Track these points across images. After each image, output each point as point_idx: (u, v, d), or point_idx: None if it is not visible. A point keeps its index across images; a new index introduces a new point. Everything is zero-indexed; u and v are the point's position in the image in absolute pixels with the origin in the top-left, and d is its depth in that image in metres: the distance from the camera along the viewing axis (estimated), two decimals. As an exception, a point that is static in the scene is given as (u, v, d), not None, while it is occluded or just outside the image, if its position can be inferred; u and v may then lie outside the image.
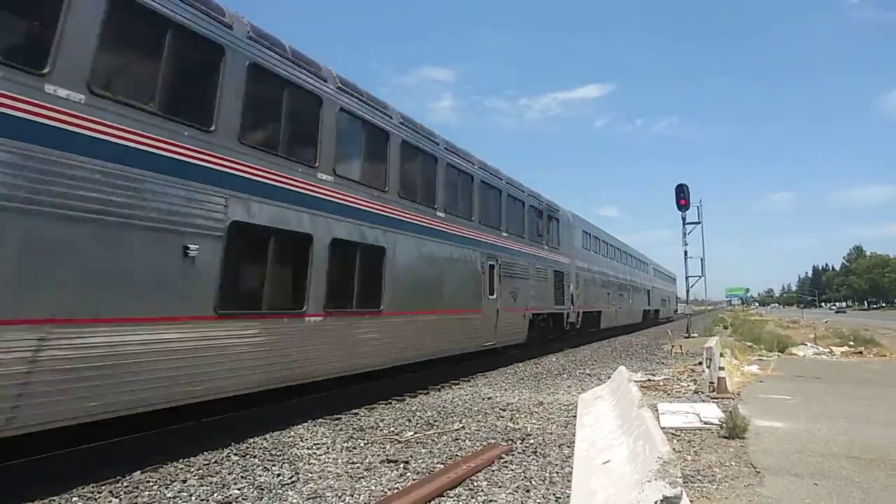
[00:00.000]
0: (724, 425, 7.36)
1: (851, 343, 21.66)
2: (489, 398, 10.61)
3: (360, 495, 5.32)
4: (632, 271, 37.58)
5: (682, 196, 31.49)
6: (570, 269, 22.14)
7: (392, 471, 6.07)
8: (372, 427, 8.19)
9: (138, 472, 5.91)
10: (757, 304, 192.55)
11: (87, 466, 5.79)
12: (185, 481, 5.72)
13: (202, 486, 5.60)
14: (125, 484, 5.62)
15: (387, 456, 6.63)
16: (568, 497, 5.15)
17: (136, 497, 5.26)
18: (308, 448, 7.00)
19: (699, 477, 5.67)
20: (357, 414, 9.13)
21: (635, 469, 4.87)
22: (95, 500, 5.20)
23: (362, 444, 7.20)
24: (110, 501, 5.15)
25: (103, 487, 5.48)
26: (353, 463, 6.37)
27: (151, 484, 5.63)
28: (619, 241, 34.95)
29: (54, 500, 5.13)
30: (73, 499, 5.20)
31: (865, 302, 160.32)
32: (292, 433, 7.75)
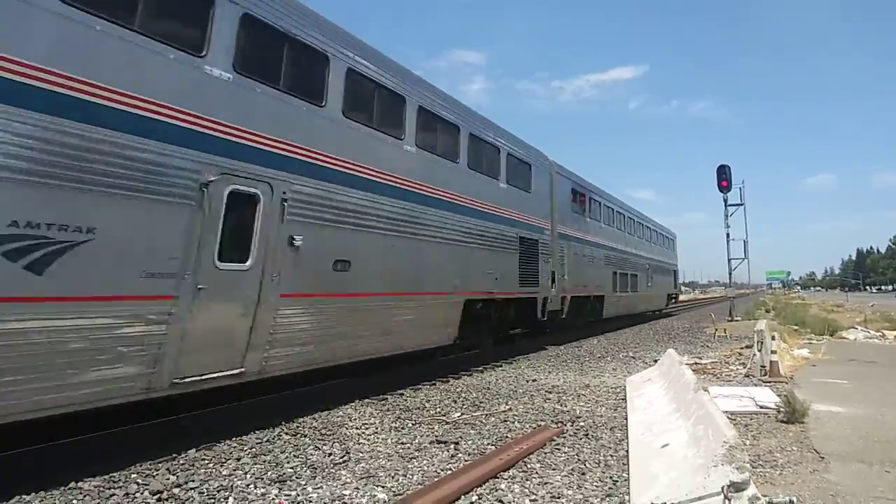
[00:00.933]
0: (781, 410, 7.12)
1: (902, 327, 20.87)
2: (533, 380, 10.49)
3: (412, 475, 5.28)
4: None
5: (723, 177, 30.60)
6: None
7: (443, 451, 6.03)
8: (418, 408, 8.16)
9: (193, 450, 5.96)
10: (799, 287, 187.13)
11: (141, 445, 5.85)
12: (238, 459, 5.76)
13: (256, 464, 5.63)
14: (181, 462, 5.68)
15: (436, 437, 6.59)
16: (626, 480, 5.03)
17: (192, 474, 5.30)
18: (357, 428, 7.00)
19: (760, 462, 5.49)
20: (402, 395, 9.11)
21: (698, 453, 4.70)
22: (154, 476, 5.25)
23: (410, 425, 7.18)
24: (168, 478, 5.20)
25: (160, 465, 5.55)
26: (402, 443, 6.35)
27: (206, 462, 5.69)
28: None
29: (114, 477, 5.21)
30: (132, 475, 5.26)
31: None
32: (340, 413, 7.76)
